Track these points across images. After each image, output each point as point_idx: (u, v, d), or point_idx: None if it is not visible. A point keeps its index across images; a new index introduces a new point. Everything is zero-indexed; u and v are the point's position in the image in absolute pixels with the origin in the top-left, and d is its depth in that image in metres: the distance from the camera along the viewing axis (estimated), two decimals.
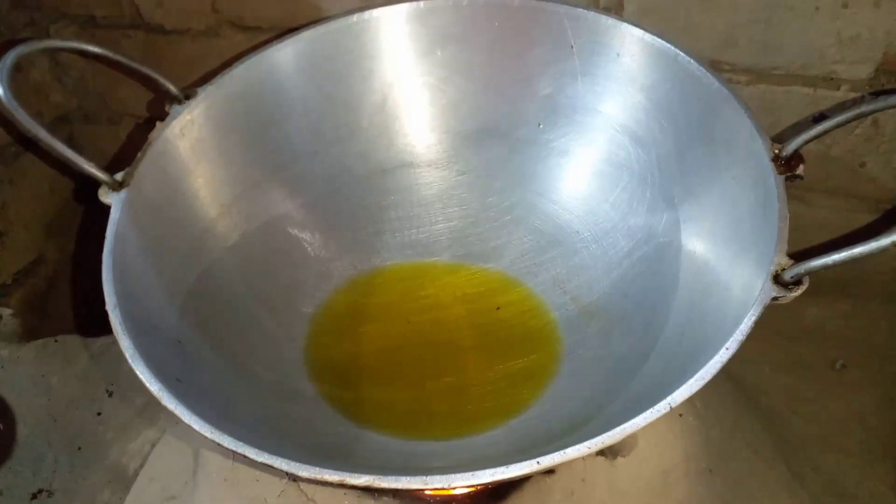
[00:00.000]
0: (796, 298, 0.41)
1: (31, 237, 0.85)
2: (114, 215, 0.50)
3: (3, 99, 0.48)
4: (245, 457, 0.38)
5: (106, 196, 0.51)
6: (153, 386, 0.40)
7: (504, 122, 0.66)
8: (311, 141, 0.65)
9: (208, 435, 0.38)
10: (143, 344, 0.43)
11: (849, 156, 0.65)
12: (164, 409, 0.40)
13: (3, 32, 0.77)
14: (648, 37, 0.57)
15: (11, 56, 0.49)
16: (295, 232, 0.65)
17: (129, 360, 0.42)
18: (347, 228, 0.68)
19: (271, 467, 0.37)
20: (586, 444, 0.36)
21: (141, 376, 0.41)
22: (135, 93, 0.82)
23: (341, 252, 0.67)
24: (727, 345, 0.39)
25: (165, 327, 0.50)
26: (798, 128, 0.63)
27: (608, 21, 0.59)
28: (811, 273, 0.40)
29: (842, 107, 0.61)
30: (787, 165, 0.47)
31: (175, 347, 0.49)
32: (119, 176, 0.52)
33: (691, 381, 0.37)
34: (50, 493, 0.70)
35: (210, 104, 0.58)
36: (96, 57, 0.56)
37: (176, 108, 0.57)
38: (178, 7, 0.75)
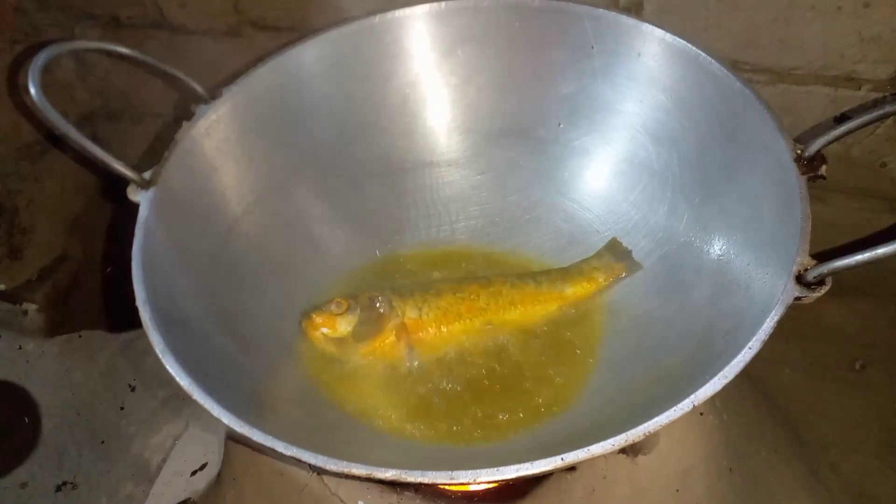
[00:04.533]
0: (816, 299, 0.41)
1: (55, 234, 0.86)
2: (142, 213, 0.51)
3: (35, 99, 0.48)
4: (272, 450, 0.38)
5: (134, 194, 0.52)
6: (183, 381, 0.41)
7: (524, 121, 0.67)
8: (334, 140, 0.66)
9: (238, 429, 0.39)
10: (171, 339, 0.44)
11: (870, 156, 0.65)
12: (187, 403, 0.40)
13: (30, 33, 0.78)
14: (669, 37, 0.57)
15: (43, 57, 0.50)
16: (317, 230, 0.66)
17: (160, 355, 0.42)
18: (369, 226, 0.68)
19: (297, 461, 0.38)
20: (610, 441, 0.36)
21: (171, 371, 0.42)
22: (157, 92, 0.83)
23: (363, 249, 0.68)
24: (750, 344, 0.39)
25: (192, 323, 0.51)
26: (819, 128, 0.63)
27: (628, 21, 0.59)
28: (834, 273, 0.40)
29: (864, 107, 0.61)
30: (809, 166, 0.47)
31: (201, 342, 0.50)
32: (147, 174, 0.53)
33: (714, 379, 0.38)
34: (74, 486, 0.71)
35: (235, 104, 0.59)
36: (124, 57, 0.57)
37: (202, 107, 0.58)
38: (201, 7, 0.76)
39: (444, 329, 0.60)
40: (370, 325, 0.58)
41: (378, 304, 0.59)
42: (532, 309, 0.61)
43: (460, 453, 0.53)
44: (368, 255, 0.68)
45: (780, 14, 0.59)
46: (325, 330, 0.58)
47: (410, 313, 0.59)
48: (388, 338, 0.58)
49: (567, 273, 0.63)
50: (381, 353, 0.58)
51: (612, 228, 0.64)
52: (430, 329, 0.59)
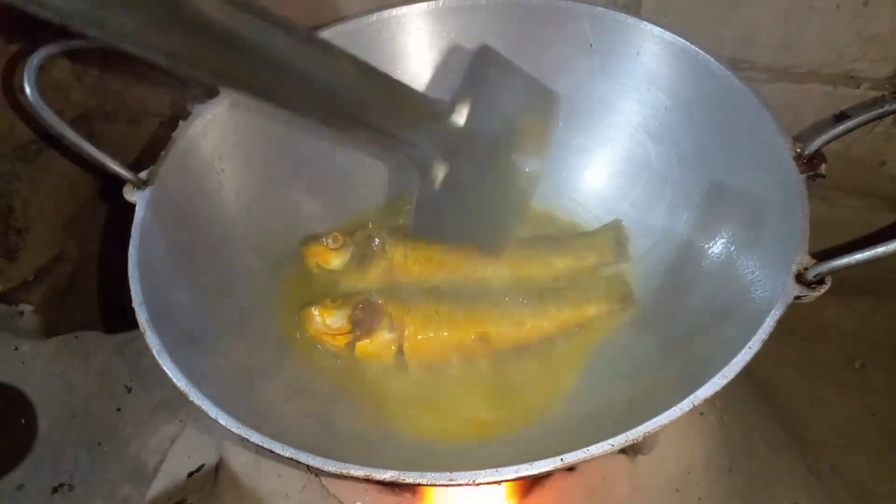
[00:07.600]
0: (816, 298, 0.41)
1: (51, 234, 0.85)
2: (139, 213, 0.50)
3: (31, 99, 0.48)
4: (270, 451, 0.38)
5: (131, 194, 0.52)
6: (180, 382, 0.41)
7: None
8: (331, 140, 0.65)
9: (235, 430, 0.39)
10: (168, 340, 0.43)
11: (869, 154, 0.65)
12: (184, 404, 0.40)
13: (25, 33, 0.78)
14: (668, 35, 0.57)
15: (39, 56, 0.49)
16: (315, 230, 0.65)
17: (156, 356, 0.42)
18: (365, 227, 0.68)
19: (296, 462, 0.38)
20: (609, 441, 0.36)
21: (168, 372, 0.41)
22: (153, 92, 0.82)
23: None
24: (750, 343, 0.39)
25: (189, 324, 0.50)
26: (818, 126, 0.63)
27: (627, 20, 0.59)
28: (833, 272, 0.40)
29: (863, 105, 0.61)
30: (808, 164, 0.47)
31: (198, 343, 0.50)
32: (144, 174, 0.52)
33: (715, 378, 0.38)
34: (70, 488, 0.71)
35: (233, 103, 0.59)
36: (121, 55, 0.57)
37: (198, 107, 0.57)
38: None
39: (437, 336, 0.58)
40: (364, 324, 0.57)
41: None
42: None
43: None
44: None
45: (780, 12, 0.59)
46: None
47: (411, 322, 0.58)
48: (382, 337, 0.57)
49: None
50: (371, 352, 0.57)
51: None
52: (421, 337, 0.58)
